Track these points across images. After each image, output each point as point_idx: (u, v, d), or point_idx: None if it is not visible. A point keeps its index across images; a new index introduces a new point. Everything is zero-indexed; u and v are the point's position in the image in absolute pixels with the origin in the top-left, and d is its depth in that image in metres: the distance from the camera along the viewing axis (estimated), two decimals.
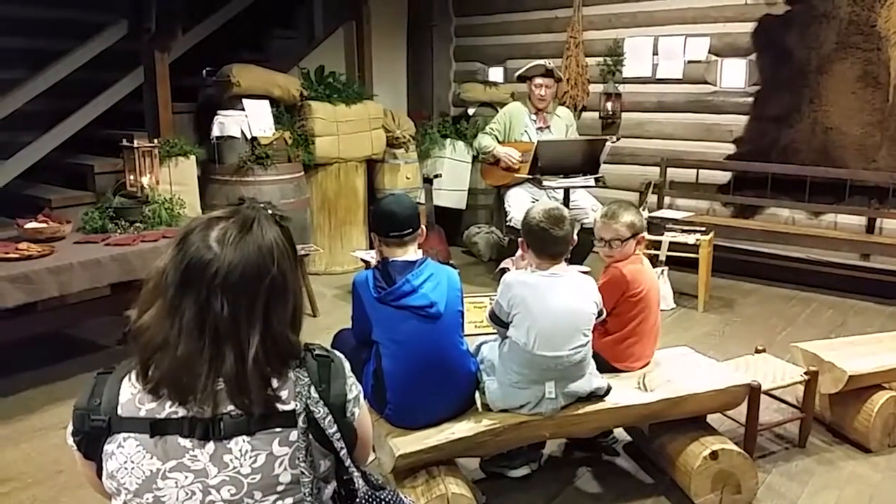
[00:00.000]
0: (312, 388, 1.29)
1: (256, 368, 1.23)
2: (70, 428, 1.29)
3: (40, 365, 3.81)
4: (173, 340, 1.21)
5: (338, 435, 1.30)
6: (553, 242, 2.55)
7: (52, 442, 3.11)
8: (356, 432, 1.38)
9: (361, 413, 1.40)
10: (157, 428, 1.22)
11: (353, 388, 1.38)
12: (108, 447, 1.24)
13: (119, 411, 1.23)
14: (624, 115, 6.24)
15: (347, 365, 1.40)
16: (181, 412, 1.22)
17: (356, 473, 1.35)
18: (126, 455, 1.22)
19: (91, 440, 1.25)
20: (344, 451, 1.31)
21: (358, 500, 1.34)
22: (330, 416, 1.29)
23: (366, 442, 1.46)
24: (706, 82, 5.82)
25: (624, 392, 2.70)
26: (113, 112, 4.81)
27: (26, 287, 3.23)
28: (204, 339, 1.22)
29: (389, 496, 1.37)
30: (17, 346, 3.77)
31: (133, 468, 1.22)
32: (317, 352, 1.37)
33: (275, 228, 1.29)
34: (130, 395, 1.24)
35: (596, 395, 2.62)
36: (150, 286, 1.26)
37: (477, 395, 2.65)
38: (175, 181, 4.56)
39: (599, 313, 2.64)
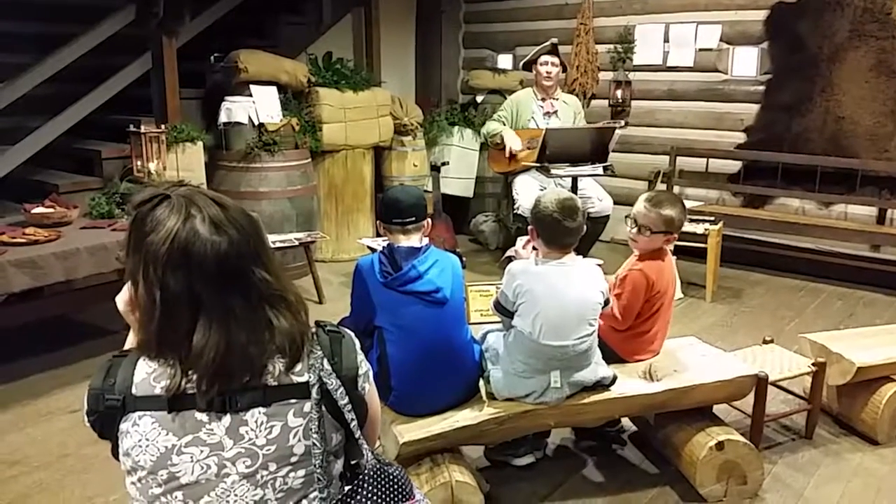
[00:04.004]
0: (325, 361, 1.32)
1: (300, 308, 1.31)
2: (85, 408, 1.29)
3: (46, 350, 3.83)
4: (236, 334, 1.22)
5: (349, 406, 1.32)
6: (565, 233, 2.52)
7: (58, 426, 3.12)
8: (366, 407, 1.40)
9: (371, 389, 1.43)
10: (174, 403, 1.22)
11: (363, 364, 1.40)
12: (124, 426, 1.24)
13: (133, 390, 1.24)
14: (634, 103, 6.19)
15: (357, 342, 1.42)
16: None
17: (365, 446, 1.37)
18: (141, 433, 1.23)
19: (106, 420, 1.26)
20: (354, 423, 1.33)
21: (366, 472, 1.34)
22: (342, 389, 1.32)
23: (374, 420, 1.48)
24: (717, 70, 5.77)
25: (630, 382, 2.69)
26: (120, 97, 4.80)
27: (33, 272, 3.24)
28: (260, 313, 1.25)
29: (397, 472, 1.38)
30: (23, 331, 3.79)
31: (148, 445, 1.22)
32: (328, 328, 1.40)
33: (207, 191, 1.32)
34: (145, 375, 1.25)
35: (601, 385, 2.60)
36: (182, 312, 1.22)
37: (482, 383, 2.65)
38: (182, 167, 4.56)
39: (606, 302, 2.62)
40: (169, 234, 1.21)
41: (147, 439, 1.22)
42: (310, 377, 1.28)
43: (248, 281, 1.25)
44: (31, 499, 2.65)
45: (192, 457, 1.22)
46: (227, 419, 1.24)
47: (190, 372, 1.22)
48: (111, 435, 1.27)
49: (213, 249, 1.22)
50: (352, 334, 1.43)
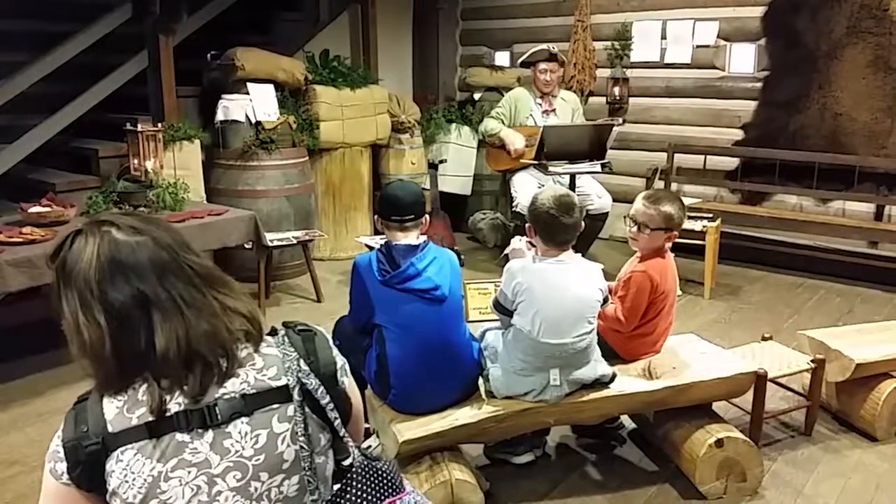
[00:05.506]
0: (301, 362, 1.30)
1: (240, 288, 1.35)
2: (52, 465, 1.23)
3: (44, 349, 3.81)
4: (195, 322, 1.22)
5: (331, 405, 1.31)
6: (562, 230, 2.52)
7: (56, 426, 3.07)
8: (349, 400, 1.39)
9: (351, 382, 1.42)
10: (154, 429, 1.19)
11: (339, 358, 1.39)
12: (108, 466, 1.20)
13: (109, 428, 1.20)
14: (631, 100, 6.18)
15: (329, 337, 1.42)
16: (174, 408, 1.20)
17: (351, 444, 1.35)
18: (125, 467, 1.19)
19: (92, 468, 1.20)
20: (338, 422, 1.32)
21: (354, 469, 1.33)
22: (322, 388, 1.30)
23: (358, 414, 1.46)
24: (715, 67, 5.76)
25: (629, 379, 2.69)
26: (117, 96, 4.78)
27: (30, 271, 3.23)
28: (210, 297, 1.26)
29: (385, 466, 1.36)
30: (20, 331, 3.77)
31: (134, 479, 1.18)
32: (298, 327, 1.39)
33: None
34: (116, 410, 1.21)
35: (601, 383, 2.60)
36: (133, 319, 1.20)
37: (481, 381, 2.64)
38: (179, 165, 4.55)
39: (605, 300, 2.62)
40: (91, 254, 1.20)
41: (132, 472, 1.18)
42: (289, 380, 1.26)
43: (185, 268, 1.25)
44: (29, 499, 2.64)
45: (180, 480, 1.18)
46: (209, 435, 1.20)
47: (164, 381, 1.20)
48: (99, 484, 1.21)
49: (141, 247, 1.22)
50: (322, 329, 1.41)
